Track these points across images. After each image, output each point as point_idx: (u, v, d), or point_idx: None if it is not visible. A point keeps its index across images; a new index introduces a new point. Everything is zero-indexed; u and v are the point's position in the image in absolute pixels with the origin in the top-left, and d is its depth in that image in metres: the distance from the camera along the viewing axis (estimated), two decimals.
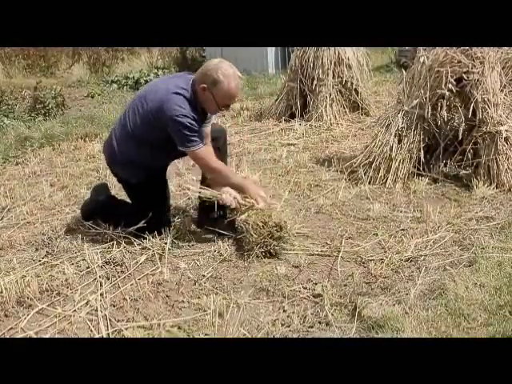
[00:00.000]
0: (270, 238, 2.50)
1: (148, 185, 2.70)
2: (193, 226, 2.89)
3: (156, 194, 2.75)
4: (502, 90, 3.47)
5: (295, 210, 3.06)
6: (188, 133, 2.45)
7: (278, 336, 1.94)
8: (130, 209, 2.83)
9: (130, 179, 2.73)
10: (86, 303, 2.21)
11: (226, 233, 2.69)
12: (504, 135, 3.33)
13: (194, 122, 2.44)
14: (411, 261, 2.47)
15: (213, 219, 2.75)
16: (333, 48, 5.43)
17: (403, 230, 2.81)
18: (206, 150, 2.55)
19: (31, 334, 2.00)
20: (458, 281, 2.21)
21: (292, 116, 5.58)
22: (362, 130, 5.11)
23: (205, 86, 2.43)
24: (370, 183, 3.50)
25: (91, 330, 2.02)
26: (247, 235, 2.52)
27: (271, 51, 9.32)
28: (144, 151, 2.60)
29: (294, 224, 2.66)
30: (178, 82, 2.51)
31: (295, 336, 1.93)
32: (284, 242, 2.56)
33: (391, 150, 3.51)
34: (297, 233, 2.71)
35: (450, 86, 3.36)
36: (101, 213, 2.90)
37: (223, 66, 2.44)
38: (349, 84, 5.48)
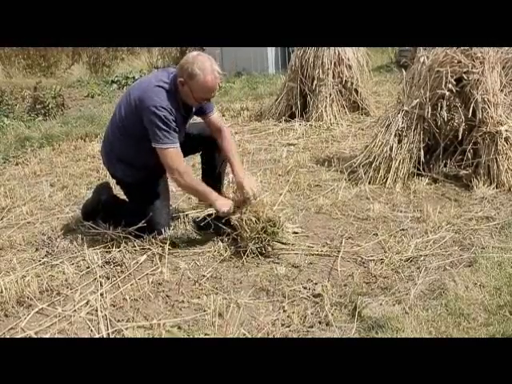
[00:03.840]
0: (264, 232, 2.49)
1: (144, 184, 2.71)
2: (193, 226, 2.88)
3: (153, 194, 2.74)
4: (501, 90, 3.47)
5: (295, 210, 3.06)
6: (162, 127, 2.44)
7: (278, 336, 1.94)
8: (130, 209, 2.83)
9: (125, 178, 2.77)
10: (86, 303, 2.21)
11: (224, 228, 2.68)
12: (504, 135, 3.33)
13: (170, 117, 2.44)
14: (411, 261, 2.47)
15: (210, 220, 2.76)
16: (333, 48, 5.43)
17: (403, 229, 2.80)
18: (176, 152, 2.51)
19: (31, 333, 2.00)
20: (458, 281, 2.21)
21: (292, 116, 5.58)
22: (362, 129, 5.11)
23: (182, 79, 2.44)
24: (370, 183, 3.50)
25: (91, 330, 2.02)
26: (241, 231, 2.53)
27: (271, 51, 9.32)
28: (133, 147, 2.63)
29: (288, 220, 2.65)
30: (160, 75, 2.55)
31: (295, 336, 1.93)
32: (278, 237, 2.55)
33: (391, 150, 3.51)
34: (294, 232, 2.71)
35: (450, 85, 3.36)
36: (102, 212, 2.90)
37: (200, 58, 2.42)
38: (349, 84, 5.48)
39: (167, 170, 2.62)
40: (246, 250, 2.51)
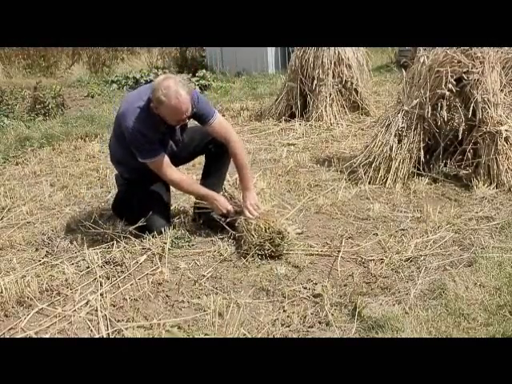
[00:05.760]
0: (271, 243, 2.49)
1: (143, 184, 2.75)
2: (193, 226, 2.88)
3: (153, 194, 2.77)
4: (501, 90, 3.47)
5: (293, 210, 3.06)
6: (137, 147, 2.56)
7: (278, 336, 1.94)
8: (132, 208, 2.84)
9: (123, 174, 2.88)
10: (86, 303, 2.21)
11: (228, 228, 2.69)
12: (504, 135, 3.33)
13: (143, 140, 2.53)
14: (411, 261, 2.47)
15: (212, 219, 2.79)
16: (333, 48, 5.43)
17: (403, 229, 2.80)
18: (161, 161, 2.59)
19: (31, 333, 2.00)
20: (458, 281, 2.21)
21: (292, 116, 5.58)
22: (362, 129, 5.11)
23: (153, 105, 2.48)
24: (370, 183, 3.50)
25: (91, 330, 2.02)
26: (247, 235, 2.52)
27: (271, 51, 9.32)
28: (125, 152, 2.68)
29: (296, 235, 2.65)
30: (144, 92, 2.57)
31: (295, 336, 1.93)
32: (282, 249, 2.53)
33: (391, 149, 3.51)
34: (296, 233, 2.71)
35: (450, 86, 3.36)
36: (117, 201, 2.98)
37: (165, 84, 2.41)
38: (349, 84, 5.48)
39: (164, 179, 2.73)
40: (248, 254, 2.50)
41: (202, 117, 2.66)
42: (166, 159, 2.61)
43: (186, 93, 2.42)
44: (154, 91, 2.43)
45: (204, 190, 2.71)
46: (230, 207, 2.67)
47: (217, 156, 2.85)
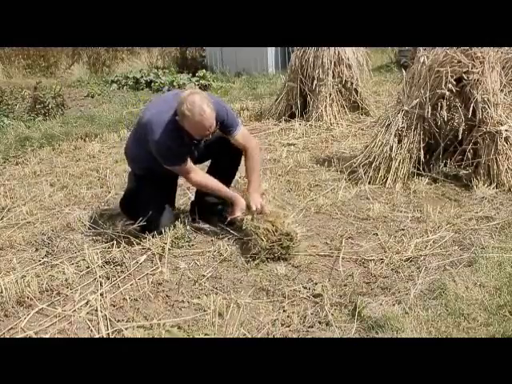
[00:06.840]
0: (280, 245, 2.48)
1: (152, 180, 2.75)
2: (193, 226, 2.88)
3: (158, 194, 2.77)
4: (501, 90, 3.47)
5: (295, 211, 3.06)
6: (161, 157, 2.59)
7: (278, 336, 1.94)
8: (136, 205, 2.85)
9: (135, 170, 2.92)
10: (86, 303, 2.21)
11: (232, 231, 2.70)
12: (504, 135, 3.33)
13: (167, 153, 2.57)
14: (411, 261, 2.47)
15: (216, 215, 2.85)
16: (333, 48, 5.43)
17: (403, 229, 2.81)
18: (184, 168, 2.63)
19: (31, 333, 2.00)
20: (458, 281, 2.21)
21: (292, 116, 5.58)
22: (362, 130, 5.11)
23: (178, 118, 2.49)
24: (370, 183, 3.50)
25: (91, 330, 2.02)
26: (257, 239, 2.50)
27: (271, 51, 9.33)
28: (144, 154, 2.69)
29: (302, 235, 2.64)
30: (172, 103, 2.55)
31: (295, 336, 1.94)
32: (291, 252, 2.52)
33: (391, 149, 3.51)
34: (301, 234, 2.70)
35: (450, 86, 3.36)
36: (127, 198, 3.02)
37: (190, 99, 2.42)
38: (349, 84, 5.48)
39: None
40: (257, 258, 2.49)
41: (227, 129, 2.71)
42: (190, 164, 2.64)
43: (210, 110, 2.44)
44: (180, 104, 2.45)
45: (228, 192, 2.74)
46: (239, 214, 2.69)
47: (224, 169, 2.91)
